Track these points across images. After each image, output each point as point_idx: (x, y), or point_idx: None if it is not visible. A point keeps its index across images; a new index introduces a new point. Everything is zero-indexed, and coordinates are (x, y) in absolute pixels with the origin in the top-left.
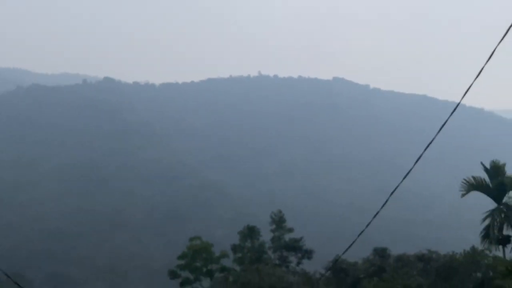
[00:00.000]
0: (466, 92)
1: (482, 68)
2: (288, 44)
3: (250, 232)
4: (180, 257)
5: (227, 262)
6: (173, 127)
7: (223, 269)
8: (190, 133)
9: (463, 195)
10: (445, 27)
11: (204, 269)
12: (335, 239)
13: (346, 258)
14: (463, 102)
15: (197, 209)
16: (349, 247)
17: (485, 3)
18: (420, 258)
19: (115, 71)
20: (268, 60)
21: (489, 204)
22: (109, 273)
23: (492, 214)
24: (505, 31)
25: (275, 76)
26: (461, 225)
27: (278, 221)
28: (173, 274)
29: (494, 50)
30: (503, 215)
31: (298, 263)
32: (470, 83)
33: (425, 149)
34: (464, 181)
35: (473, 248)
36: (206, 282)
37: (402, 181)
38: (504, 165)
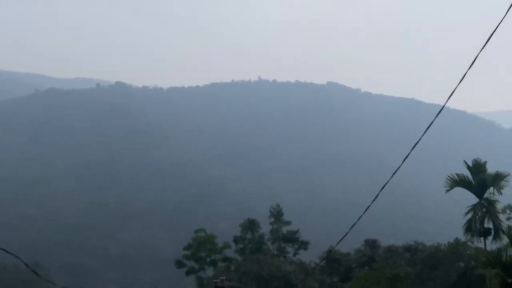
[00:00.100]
0: (450, 96)
1: (465, 74)
2: (286, 51)
3: (251, 225)
4: (186, 248)
5: (229, 253)
6: (179, 128)
7: (225, 259)
8: (195, 133)
9: (447, 190)
10: (431, 36)
11: (208, 259)
12: (329, 231)
13: (339, 249)
14: (447, 105)
15: (202, 203)
16: (342, 238)
17: (467, 15)
18: (408, 249)
19: (126, 76)
20: (267, 66)
21: (472, 199)
22: (121, 263)
23: (474, 208)
24: (486, 40)
25: (274, 81)
26: (445, 218)
27: (277, 215)
28: (179, 264)
29: (475, 58)
30: (484, 209)
31: (295, 254)
32: (454, 87)
33: (412, 148)
34: (448, 178)
35: (457, 240)
36: (209, 271)
37: (391, 177)
38: (485, 163)
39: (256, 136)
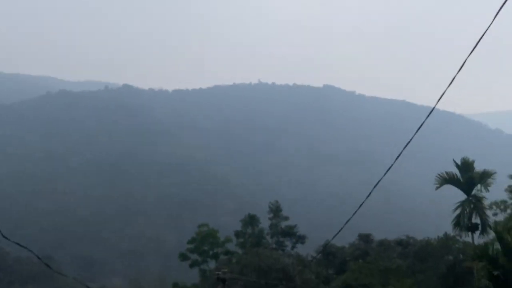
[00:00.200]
0: (440, 98)
1: (454, 77)
2: (285, 56)
3: (251, 220)
4: (190, 242)
5: (231, 246)
6: (184, 127)
7: (227, 252)
8: (199, 132)
9: (437, 188)
10: (422, 40)
11: (211, 252)
12: (325, 226)
13: (335, 243)
14: (437, 106)
15: (205, 198)
16: (337, 233)
17: (458, 19)
18: (400, 243)
19: (133, 78)
20: (267, 69)
21: (460, 196)
22: (128, 255)
23: (462, 204)
24: (474, 44)
25: (273, 84)
26: (435, 214)
27: (276, 210)
28: (183, 257)
29: (464, 62)
30: (472, 206)
31: (293, 247)
32: (444, 90)
33: (404, 147)
34: (438, 176)
35: (446, 235)
36: (212, 263)
37: (384, 175)
38: (473, 162)
39: (256, 135)
